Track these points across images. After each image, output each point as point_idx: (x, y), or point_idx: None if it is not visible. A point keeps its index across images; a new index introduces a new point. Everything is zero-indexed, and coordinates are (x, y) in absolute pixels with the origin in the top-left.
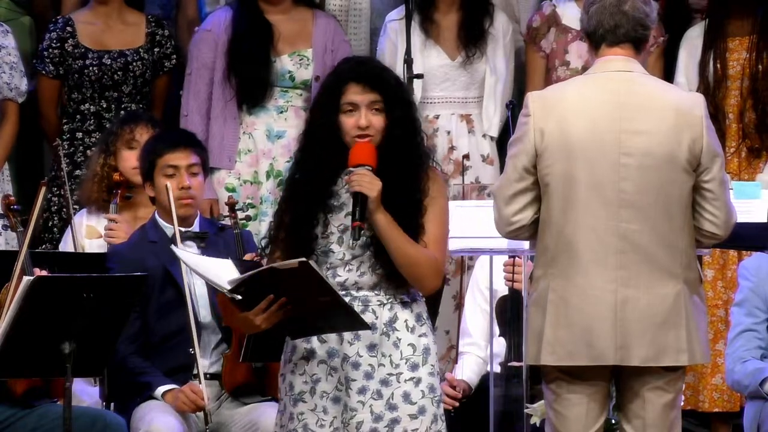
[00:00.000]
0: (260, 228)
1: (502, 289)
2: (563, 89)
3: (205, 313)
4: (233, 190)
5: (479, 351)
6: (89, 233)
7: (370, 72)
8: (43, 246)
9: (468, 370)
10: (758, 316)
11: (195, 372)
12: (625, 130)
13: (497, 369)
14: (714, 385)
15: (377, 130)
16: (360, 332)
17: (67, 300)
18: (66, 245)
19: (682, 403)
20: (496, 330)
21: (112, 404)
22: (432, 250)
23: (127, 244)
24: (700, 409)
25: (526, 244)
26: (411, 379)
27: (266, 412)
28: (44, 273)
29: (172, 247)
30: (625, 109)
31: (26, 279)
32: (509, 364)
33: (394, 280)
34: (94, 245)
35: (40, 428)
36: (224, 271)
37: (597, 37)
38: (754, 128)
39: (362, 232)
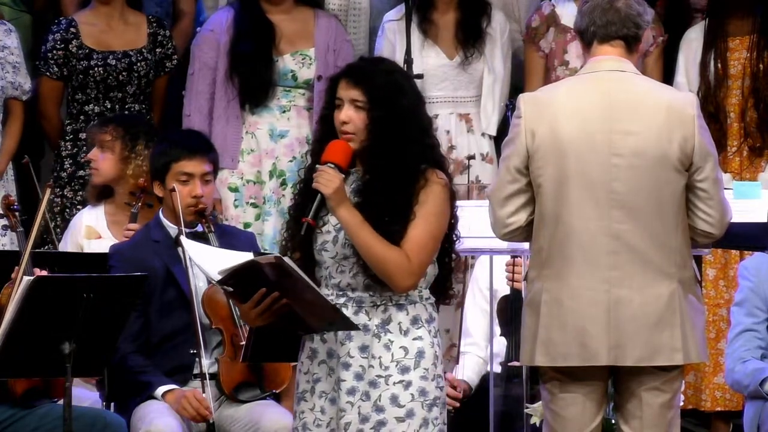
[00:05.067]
0: (263, 228)
1: (502, 289)
2: (554, 90)
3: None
4: (236, 189)
5: (479, 351)
6: (88, 233)
7: (358, 69)
8: (46, 247)
9: (468, 370)
10: (758, 316)
11: (196, 372)
12: (615, 131)
13: (497, 369)
14: (716, 384)
15: (357, 128)
16: (352, 333)
17: (67, 300)
18: (66, 245)
19: (683, 403)
20: (497, 330)
21: (112, 404)
22: (409, 251)
23: (129, 242)
24: (702, 408)
25: (526, 244)
26: (400, 381)
27: (267, 412)
28: (44, 273)
29: (181, 237)
30: (616, 109)
31: (26, 279)
32: (509, 364)
33: (380, 281)
34: (93, 245)
35: (41, 428)
36: (216, 263)
37: (589, 35)
38: (755, 127)
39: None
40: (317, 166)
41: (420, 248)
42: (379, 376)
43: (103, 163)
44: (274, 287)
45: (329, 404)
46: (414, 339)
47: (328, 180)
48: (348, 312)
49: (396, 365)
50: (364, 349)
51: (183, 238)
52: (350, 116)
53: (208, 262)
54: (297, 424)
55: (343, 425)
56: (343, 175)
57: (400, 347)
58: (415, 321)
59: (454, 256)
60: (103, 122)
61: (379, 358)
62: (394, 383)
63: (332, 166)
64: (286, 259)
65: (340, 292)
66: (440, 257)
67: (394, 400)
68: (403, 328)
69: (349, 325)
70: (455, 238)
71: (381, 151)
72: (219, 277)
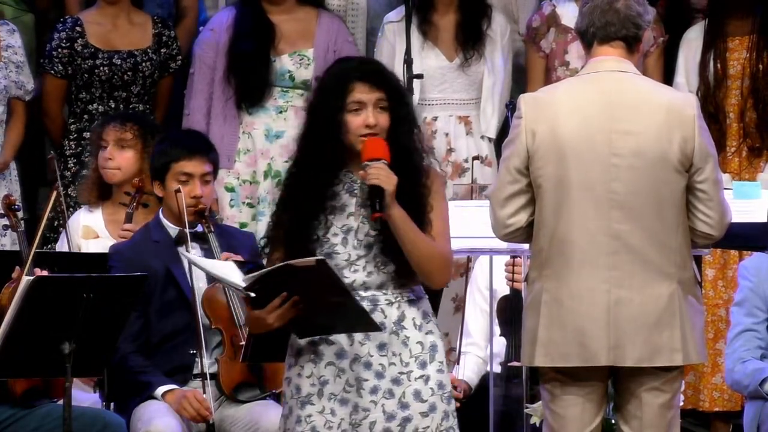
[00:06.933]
0: (258, 228)
1: (502, 289)
2: (555, 90)
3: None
4: (232, 189)
5: (479, 351)
6: (85, 233)
7: (374, 70)
8: (48, 246)
9: (468, 370)
10: (758, 316)
11: (196, 372)
12: (615, 131)
13: (497, 369)
14: (714, 384)
15: (383, 129)
16: (370, 333)
17: (67, 300)
18: (62, 246)
19: (682, 403)
20: (497, 330)
21: (112, 404)
22: (440, 243)
23: (129, 242)
24: (701, 409)
25: (525, 245)
26: (421, 377)
27: (267, 411)
28: (44, 273)
29: (182, 252)
30: (616, 110)
31: (26, 279)
32: (509, 364)
33: (401, 277)
34: (90, 245)
35: (41, 428)
36: (230, 271)
37: (589, 36)
38: (754, 127)
39: (369, 230)
40: (370, 163)
41: (446, 241)
42: (401, 373)
43: (125, 161)
44: (294, 291)
45: (339, 405)
46: (426, 333)
47: (388, 176)
48: None
49: (415, 360)
50: (382, 347)
51: (185, 253)
52: (378, 118)
53: (222, 272)
54: (304, 428)
55: (368, 425)
56: None
57: (417, 342)
58: (425, 315)
59: None
60: (120, 120)
61: (399, 354)
62: (415, 379)
63: (385, 163)
64: (328, 261)
65: (353, 292)
66: None
67: (417, 395)
68: (416, 323)
69: (373, 327)
70: None
71: (404, 147)
72: (244, 284)
